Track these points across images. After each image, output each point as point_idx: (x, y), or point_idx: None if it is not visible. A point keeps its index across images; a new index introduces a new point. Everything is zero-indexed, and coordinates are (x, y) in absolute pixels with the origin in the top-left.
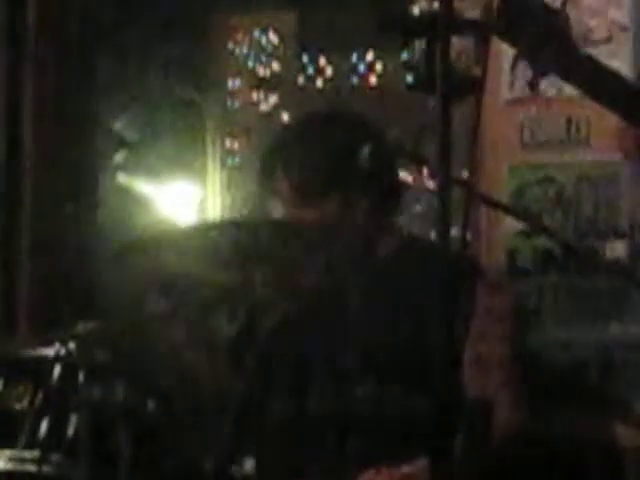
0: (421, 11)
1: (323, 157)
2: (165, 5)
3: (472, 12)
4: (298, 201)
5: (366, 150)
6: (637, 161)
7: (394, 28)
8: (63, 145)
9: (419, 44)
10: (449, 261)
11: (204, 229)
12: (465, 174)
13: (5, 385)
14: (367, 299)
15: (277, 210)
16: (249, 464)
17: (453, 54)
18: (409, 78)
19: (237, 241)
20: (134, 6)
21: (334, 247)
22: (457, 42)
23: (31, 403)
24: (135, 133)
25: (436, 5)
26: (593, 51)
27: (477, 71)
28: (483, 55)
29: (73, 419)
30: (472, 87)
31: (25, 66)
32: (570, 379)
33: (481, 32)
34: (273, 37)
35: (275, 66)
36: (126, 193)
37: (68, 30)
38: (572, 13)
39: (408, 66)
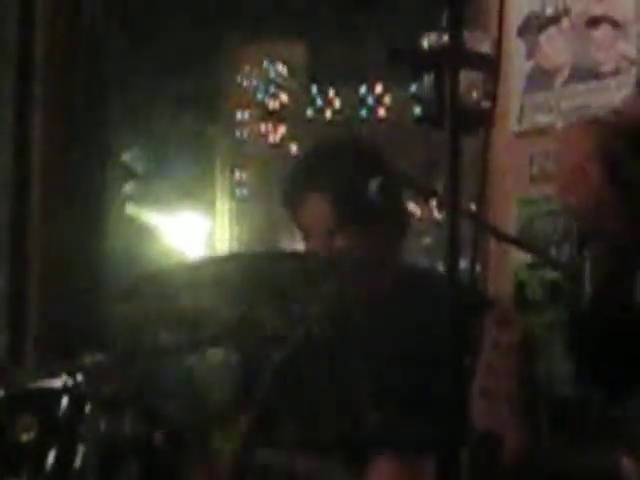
0: (430, 44)
1: (344, 189)
2: (175, 38)
3: (481, 45)
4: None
5: (380, 182)
6: None
7: (403, 61)
8: (74, 176)
9: (428, 77)
10: (457, 294)
11: (213, 261)
12: (474, 207)
13: (12, 416)
14: (375, 332)
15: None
16: None
17: (462, 87)
18: (418, 111)
19: (246, 273)
20: (145, 38)
21: (342, 280)
22: (466, 75)
23: (38, 435)
24: (144, 164)
25: (445, 38)
26: (601, 84)
27: (486, 104)
28: (492, 88)
29: (80, 451)
30: (481, 120)
31: (35, 99)
32: (578, 412)
33: (490, 66)
34: (282, 69)
35: (284, 98)
36: (135, 224)
37: (79, 63)
38: (581, 46)
39: (417, 99)
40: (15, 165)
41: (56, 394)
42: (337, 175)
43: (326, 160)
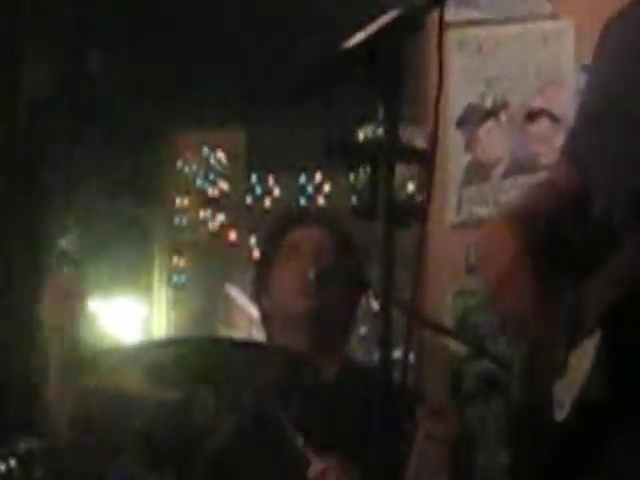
0: (366, 137)
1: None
2: (115, 120)
3: (417, 139)
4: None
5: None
6: None
7: (339, 153)
8: (7, 262)
9: (363, 169)
10: (390, 386)
11: (149, 347)
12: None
13: None
14: (309, 421)
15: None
16: None
17: (397, 180)
18: (354, 202)
19: (181, 359)
20: (82, 119)
21: (281, 369)
22: (401, 168)
23: None
24: (81, 249)
25: (381, 131)
26: (539, 177)
27: (421, 197)
28: (427, 182)
29: None
30: (416, 213)
31: None
32: None
33: (425, 159)
34: (221, 156)
35: (223, 185)
36: None
37: (13, 146)
38: (519, 140)
39: (353, 190)
40: None
41: None
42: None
43: None
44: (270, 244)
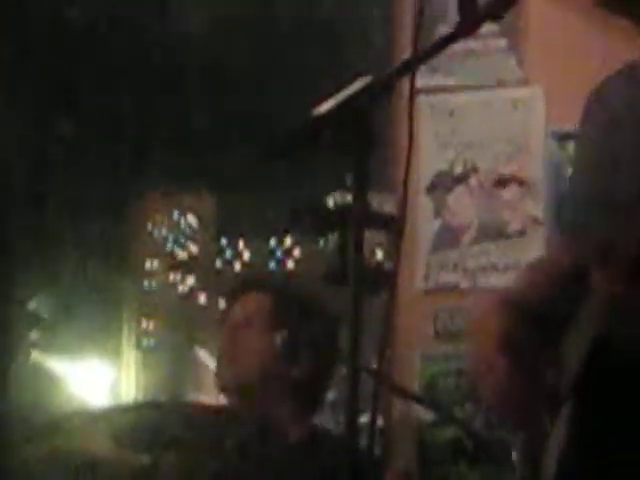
0: (335, 203)
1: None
2: (85, 186)
3: (386, 205)
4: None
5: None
6: None
7: (308, 219)
8: None
9: (333, 235)
10: (355, 452)
11: (117, 411)
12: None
13: None
14: None
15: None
16: None
17: (366, 247)
18: (324, 267)
19: (150, 423)
20: (51, 181)
21: (246, 435)
22: (371, 235)
23: None
24: (51, 311)
25: (350, 198)
26: (508, 244)
27: (390, 264)
28: (396, 248)
29: None
30: (385, 279)
31: None
32: None
33: (395, 225)
34: (192, 219)
35: (193, 249)
36: (40, 371)
37: None
38: (488, 206)
39: (323, 256)
40: None
41: None
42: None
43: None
44: (222, 318)
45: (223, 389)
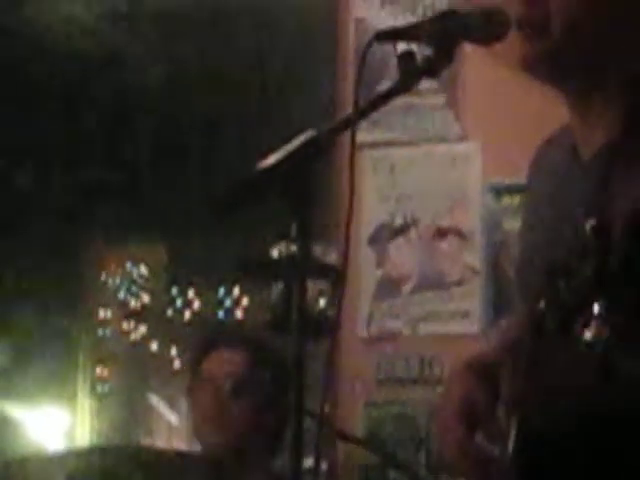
0: (280, 254)
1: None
2: (39, 235)
3: (330, 256)
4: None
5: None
6: None
7: (254, 270)
8: None
9: (276, 285)
10: None
11: (72, 455)
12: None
13: None
14: None
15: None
16: None
17: (310, 296)
18: (268, 316)
19: (104, 468)
20: (7, 236)
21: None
22: (314, 284)
23: None
24: (7, 359)
25: (294, 248)
26: (447, 293)
27: (332, 312)
28: (338, 297)
29: None
30: (328, 327)
31: None
32: None
33: (337, 275)
34: (144, 270)
35: (145, 298)
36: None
37: None
38: (428, 256)
39: (267, 305)
40: None
41: None
42: None
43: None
44: (190, 372)
45: (206, 448)
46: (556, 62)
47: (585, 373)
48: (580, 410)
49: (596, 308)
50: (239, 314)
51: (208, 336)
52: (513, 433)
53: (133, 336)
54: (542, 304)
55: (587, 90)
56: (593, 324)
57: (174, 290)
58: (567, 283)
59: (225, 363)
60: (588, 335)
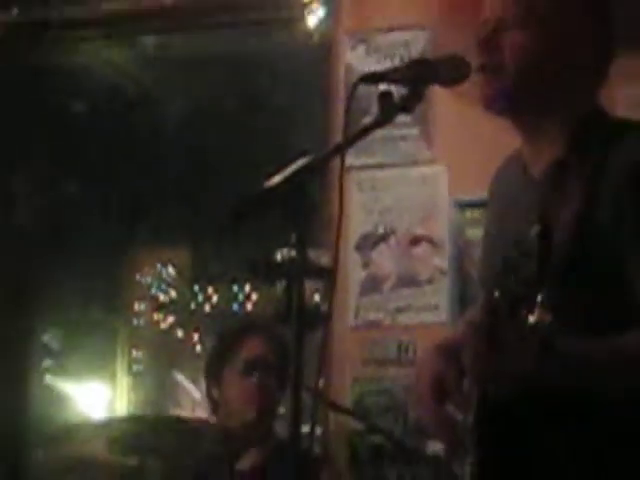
0: (282, 257)
1: None
2: (85, 243)
3: (324, 259)
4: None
5: None
6: None
7: (262, 270)
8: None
9: (280, 283)
10: (302, 454)
11: (112, 422)
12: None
13: None
14: None
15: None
16: None
17: (307, 293)
18: (273, 309)
19: (137, 433)
20: (63, 239)
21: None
22: (310, 283)
23: None
24: (60, 344)
25: (293, 253)
26: (420, 290)
27: (325, 306)
28: (330, 293)
29: None
30: (321, 319)
31: None
32: None
33: (329, 276)
34: (171, 270)
35: (172, 293)
36: (51, 391)
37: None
38: (404, 260)
39: (272, 300)
40: None
41: None
42: None
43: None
44: (223, 349)
45: (214, 406)
46: (510, 101)
47: (530, 351)
48: (526, 381)
49: (539, 298)
50: (249, 307)
51: (238, 326)
52: (475, 402)
53: (162, 325)
54: (496, 294)
55: (536, 121)
56: (536, 311)
57: (196, 287)
58: (516, 277)
59: (260, 346)
60: (532, 319)
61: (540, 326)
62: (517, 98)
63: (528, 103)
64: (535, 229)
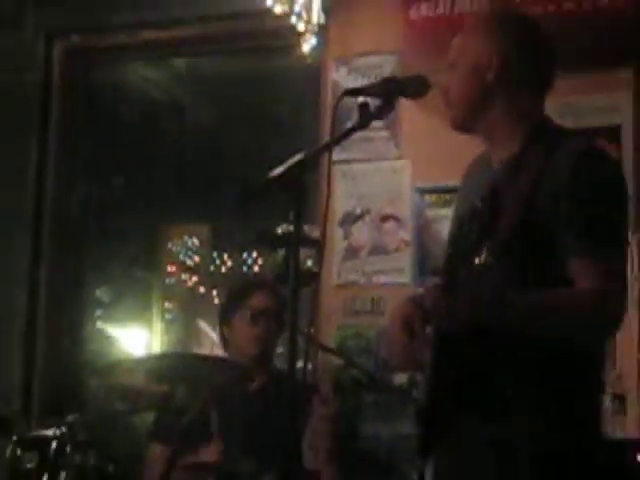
0: (282, 231)
1: None
2: (130, 220)
3: (314, 233)
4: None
5: None
6: None
7: (265, 241)
8: (63, 306)
9: (280, 252)
10: (297, 384)
11: (149, 358)
12: (309, 329)
13: (22, 453)
14: (249, 408)
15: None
16: None
17: (301, 258)
18: (275, 272)
19: (169, 366)
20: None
21: (227, 375)
22: (303, 251)
23: (37, 465)
24: (108, 297)
25: (291, 228)
26: (388, 257)
27: (316, 269)
28: (319, 258)
29: (62, 476)
30: (313, 278)
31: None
32: (372, 456)
33: (319, 245)
34: (195, 240)
35: (196, 258)
36: (102, 334)
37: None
38: (376, 233)
39: (274, 264)
40: (28, 302)
41: (50, 439)
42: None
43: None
44: (235, 300)
45: (225, 342)
46: (458, 128)
47: (479, 290)
48: (475, 317)
49: (484, 247)
50: (256, 269)
51: (248, 281)
52: (434, 339)
53: (188, 283)
54: (451, 250)
55: (491, 131)
56: (482, 254)
57: (214, 254)
58: (467, 234)
59: (265, 299)
60: (477, 261)
61: (484, 265)
62: (463, 125)
63: (475, 125)
64: (480, 196)
